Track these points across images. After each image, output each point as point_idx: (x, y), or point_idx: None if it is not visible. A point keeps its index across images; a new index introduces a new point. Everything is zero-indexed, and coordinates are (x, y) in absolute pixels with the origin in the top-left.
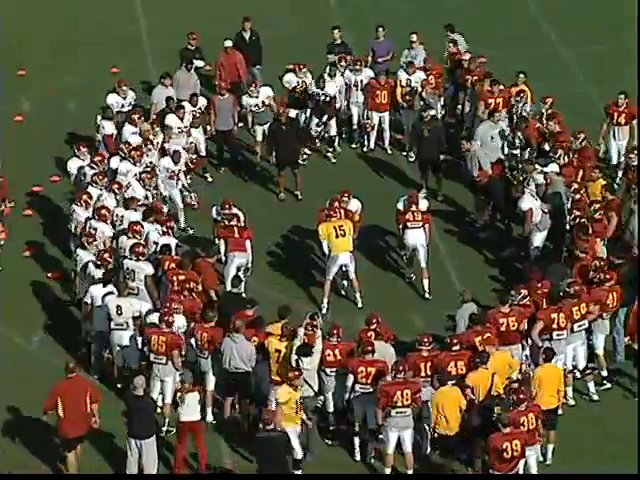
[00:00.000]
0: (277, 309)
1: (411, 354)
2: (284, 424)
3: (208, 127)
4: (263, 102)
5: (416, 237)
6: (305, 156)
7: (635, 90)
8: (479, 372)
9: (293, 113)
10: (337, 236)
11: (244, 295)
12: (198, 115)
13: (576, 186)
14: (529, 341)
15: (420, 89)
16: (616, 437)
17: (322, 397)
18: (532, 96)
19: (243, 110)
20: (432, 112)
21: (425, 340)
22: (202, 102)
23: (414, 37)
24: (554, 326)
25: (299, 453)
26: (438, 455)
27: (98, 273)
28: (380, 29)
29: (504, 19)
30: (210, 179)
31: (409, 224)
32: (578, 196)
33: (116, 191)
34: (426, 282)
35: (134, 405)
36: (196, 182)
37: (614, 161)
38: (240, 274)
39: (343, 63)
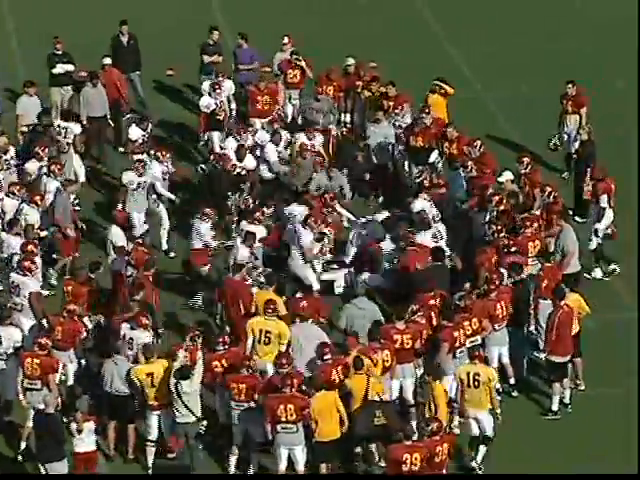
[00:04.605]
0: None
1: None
2: None
3: None
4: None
5: None
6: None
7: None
8: (355, 378)
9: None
10: None
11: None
12: (147, 140)
13: (497, 198)
14: (421, 360)
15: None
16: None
17: (205, 422)
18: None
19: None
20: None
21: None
22: (150, 127)
23: (285, 39)
24: (456, 344)
25: None
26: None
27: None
28: (239, 36)
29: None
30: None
31: None
32: (502, 207)
33: (38, 203)
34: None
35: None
36: None
37: (569, 149)
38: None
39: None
